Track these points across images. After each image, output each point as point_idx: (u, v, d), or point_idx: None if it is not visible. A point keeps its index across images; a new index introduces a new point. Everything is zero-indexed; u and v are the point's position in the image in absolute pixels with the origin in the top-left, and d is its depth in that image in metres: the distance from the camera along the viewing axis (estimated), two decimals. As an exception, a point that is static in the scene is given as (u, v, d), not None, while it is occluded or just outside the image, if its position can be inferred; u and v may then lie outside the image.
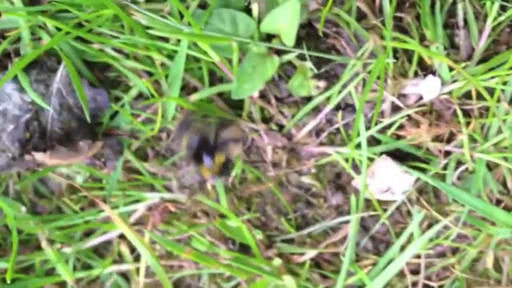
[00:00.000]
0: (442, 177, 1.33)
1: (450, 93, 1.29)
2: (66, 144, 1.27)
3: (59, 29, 1.23)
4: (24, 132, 1.26)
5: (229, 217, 1.32)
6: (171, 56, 1.27)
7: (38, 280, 1.41)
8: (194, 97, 1.28)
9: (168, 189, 1.40)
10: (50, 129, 1.27)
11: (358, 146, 1.29)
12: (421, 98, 1.30)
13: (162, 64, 1.28)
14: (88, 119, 1.22)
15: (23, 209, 1.38)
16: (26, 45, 1.24)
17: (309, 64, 1.26)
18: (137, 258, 1.45)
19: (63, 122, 1.28)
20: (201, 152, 1.23)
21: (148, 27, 1.23)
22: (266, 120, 1.34)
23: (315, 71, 1.26)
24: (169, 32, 1.22)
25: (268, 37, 1.26)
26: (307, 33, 1.29)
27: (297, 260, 1.40)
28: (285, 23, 1.20)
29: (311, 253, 1.39)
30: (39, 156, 1.24)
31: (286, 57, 1.26)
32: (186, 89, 1.31)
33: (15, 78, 1.23)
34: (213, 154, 1.23)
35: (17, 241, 1.30)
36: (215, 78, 1.31)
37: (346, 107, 1.33)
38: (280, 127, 1.34)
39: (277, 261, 1.36)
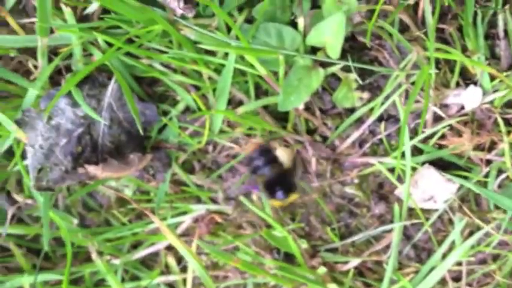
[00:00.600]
0: (483, 186, 1.33)
1: (491, 102, 1.30)
2: (116, 158, 1.28)
3: (110, 45, 1.24)
4: (77, 146, 1.27)
5: (275, 227, 1.33)
6: (218, 70, 1.28)
7: (87, 291, 1.43)
8: (241, 110, 1.29)
9: (214, 201, 1.42)
10: (101, 142, 1.28)
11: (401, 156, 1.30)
12: (462, 107, 1.31)
13: (209, 78, 1.28)
14: (141, 131, 1.24)
15: (75, 221, 1.40)
16: (77, 61, 1.26)
17: (353, 76, 1.27)
18: (184, 270, 1.46)
19: (114, 135, 1.29)
20: (275, 186, 1.27)
21: (196, 42, 1.24)
22: (310, 132, 1.34)
23: (360, 82, 1.27)
24: (217, 46, 1.23)
25: (313, 50, 1.27)
26: (350, 46, 1.31)
27: (341, 268, 1.41)
28: (330, 36, 1.21)
29: (354, 262, 1.40)
30: (91, 169, 1.25)
31: (331, 70, 1.26)
32: (232, 103, 1.32)
33: (68, 94, 1.25)
34: (288, 191, 1.25)
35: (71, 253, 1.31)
36: (260, 92, 1.32)
37: (388, 118, 1.34)
38: (324, 138, 1.35)
39: (322, 270, 1.36)
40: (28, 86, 1.25)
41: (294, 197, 1.26)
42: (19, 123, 1.25)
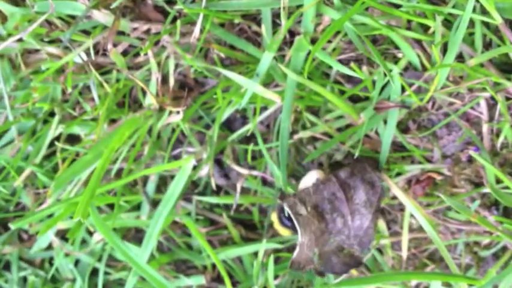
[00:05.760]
0: None
1: None
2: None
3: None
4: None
5: (503, 181, 1.19)
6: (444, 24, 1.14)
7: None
8: (472, 62, 1.15)
9: (429, 160, 1.28)
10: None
11: None
12: None
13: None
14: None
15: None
16: (310, 21, 1.12)
17: None
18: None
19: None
20: None
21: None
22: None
23: None
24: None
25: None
26: None
27: (561, 220, 1.28)
28: None
29: None
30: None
31: None
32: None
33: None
34: None
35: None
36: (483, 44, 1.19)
37: None
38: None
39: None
40: (257, 53, 1.13)
41: None
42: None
